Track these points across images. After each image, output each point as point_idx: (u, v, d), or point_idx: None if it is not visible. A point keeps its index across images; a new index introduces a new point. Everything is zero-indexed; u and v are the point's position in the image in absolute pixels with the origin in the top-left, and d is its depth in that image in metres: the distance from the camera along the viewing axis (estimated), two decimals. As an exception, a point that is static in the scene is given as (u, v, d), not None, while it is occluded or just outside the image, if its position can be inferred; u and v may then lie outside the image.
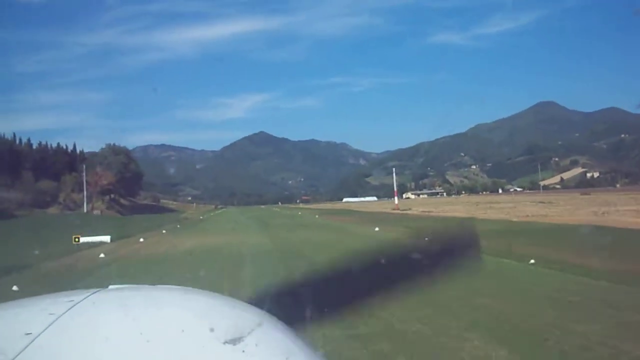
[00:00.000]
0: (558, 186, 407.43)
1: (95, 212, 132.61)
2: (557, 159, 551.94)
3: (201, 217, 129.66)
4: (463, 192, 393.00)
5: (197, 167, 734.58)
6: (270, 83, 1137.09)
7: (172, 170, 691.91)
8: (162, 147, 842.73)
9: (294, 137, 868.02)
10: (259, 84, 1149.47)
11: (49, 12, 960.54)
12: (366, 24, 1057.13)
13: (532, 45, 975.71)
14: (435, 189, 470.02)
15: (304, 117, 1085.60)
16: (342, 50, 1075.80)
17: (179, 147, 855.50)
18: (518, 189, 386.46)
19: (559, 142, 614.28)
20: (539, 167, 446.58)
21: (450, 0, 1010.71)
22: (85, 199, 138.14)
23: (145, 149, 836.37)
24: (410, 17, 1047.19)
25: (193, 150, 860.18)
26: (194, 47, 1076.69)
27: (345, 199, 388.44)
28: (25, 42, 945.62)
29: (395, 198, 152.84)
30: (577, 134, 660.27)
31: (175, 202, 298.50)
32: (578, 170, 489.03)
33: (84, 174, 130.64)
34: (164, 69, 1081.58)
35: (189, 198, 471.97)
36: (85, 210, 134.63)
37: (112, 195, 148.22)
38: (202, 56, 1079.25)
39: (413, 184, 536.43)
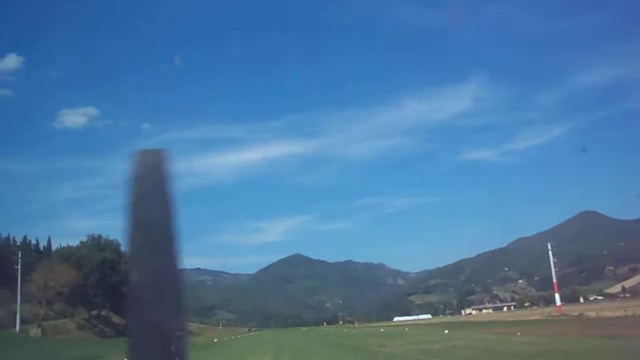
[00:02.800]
0: (624, 295, 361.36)
1: (34, 331, 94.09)
2: (612, 268, 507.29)
3: (215, 340, 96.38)
4: (527, 303, 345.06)
5: (233, 290, 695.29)
6: (305, 206, 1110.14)
7: (206, 294, 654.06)
8: (197, 271, 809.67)
9: (330, 258, 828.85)
10: (293, 208, 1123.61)
11: (89, 139, 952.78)
12: (397, 145, 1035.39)
13: (565, 157, 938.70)
14: (485, 304, 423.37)
15: (339, 239, 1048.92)
16: (374, 172, 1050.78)
17: (214, 270, 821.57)
18: (599, 297, 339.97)
19: (604, 252, 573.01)
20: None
21: (479, 118, 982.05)
22: (18, 309, 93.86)
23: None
24: (442, 136, 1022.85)
25: (228, 274, 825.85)
26: (229, 172, 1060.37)
27: (396, 318, 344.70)
28: (63, 169, 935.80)
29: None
30: (622, 243, 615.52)
31: (201, 325, 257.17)
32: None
33: (19, 266, 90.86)
34: (199, 193, 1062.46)
35: (223, 321, 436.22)
36: (17, 329, 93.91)
37: (100, 312, 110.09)
38: (237, 181, 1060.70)
39: (456, 301, 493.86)
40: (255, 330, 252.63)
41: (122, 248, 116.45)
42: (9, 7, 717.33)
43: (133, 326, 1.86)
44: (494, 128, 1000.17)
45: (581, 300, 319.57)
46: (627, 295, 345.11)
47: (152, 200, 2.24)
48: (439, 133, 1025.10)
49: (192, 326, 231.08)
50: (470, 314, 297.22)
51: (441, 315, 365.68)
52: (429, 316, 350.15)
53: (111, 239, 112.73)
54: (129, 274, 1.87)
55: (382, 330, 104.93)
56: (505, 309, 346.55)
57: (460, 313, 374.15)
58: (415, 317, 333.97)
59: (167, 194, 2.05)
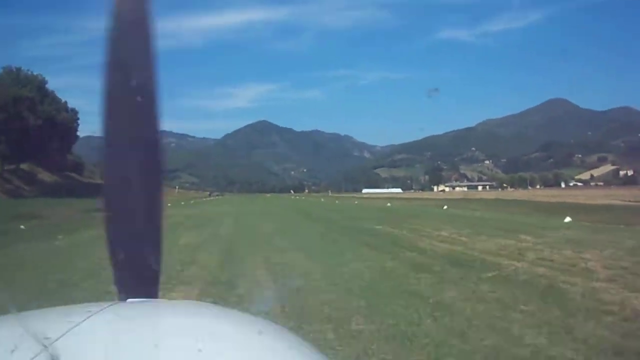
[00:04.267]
0: (592, 183, 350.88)
1: None
2: (580, 156, 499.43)
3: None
4: (505, 185, 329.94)
5: (198, 154, 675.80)
6: (276, 73, 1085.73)
7: (170, 157, 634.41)
8: (162, 133, 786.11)
9: (297, 127, 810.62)
10: (264, 74, 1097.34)
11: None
12: (372, 18, 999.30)
13: (541, 43, 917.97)
14: (453, 182, 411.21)
15: (308, 108, 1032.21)
16: (348, 43, 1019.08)
17: (179, 133, 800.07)
18: (579, 184, 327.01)
19: (572, 140, 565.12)
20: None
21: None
22: None
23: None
24: (417, 12, 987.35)
25: (194, 137, 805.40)
26: (200, 36, 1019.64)
27: (364, 190, 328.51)
28: (31, 25, 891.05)
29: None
30: (589, 132, 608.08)
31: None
32: (608, 168, 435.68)
33: None
34: (168, 56, 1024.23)
35: (186, 185, 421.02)
36: None
37: (18, 165, 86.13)
38: (207, 45, 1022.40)
39: (427, 177, 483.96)
40: (217, 195, 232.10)
41: (49, 86, 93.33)
42: None
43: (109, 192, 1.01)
44: (471, 7, 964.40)
45: (562, 185, 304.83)
46: (600, 183, 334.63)
47: (132, 42, 1.09)
48: (415, 8, 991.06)
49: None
50: (443, 190, 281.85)
51: (412, 190, 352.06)
52: (399, 190, 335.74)
53: (34, 73, 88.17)
54: (104, 126, 0.95)
55: (355, 202, 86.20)
56: (480, 187, 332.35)
57: (430, 189, 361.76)
58: (385, 190, 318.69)
59: (149, 35, 0.98)
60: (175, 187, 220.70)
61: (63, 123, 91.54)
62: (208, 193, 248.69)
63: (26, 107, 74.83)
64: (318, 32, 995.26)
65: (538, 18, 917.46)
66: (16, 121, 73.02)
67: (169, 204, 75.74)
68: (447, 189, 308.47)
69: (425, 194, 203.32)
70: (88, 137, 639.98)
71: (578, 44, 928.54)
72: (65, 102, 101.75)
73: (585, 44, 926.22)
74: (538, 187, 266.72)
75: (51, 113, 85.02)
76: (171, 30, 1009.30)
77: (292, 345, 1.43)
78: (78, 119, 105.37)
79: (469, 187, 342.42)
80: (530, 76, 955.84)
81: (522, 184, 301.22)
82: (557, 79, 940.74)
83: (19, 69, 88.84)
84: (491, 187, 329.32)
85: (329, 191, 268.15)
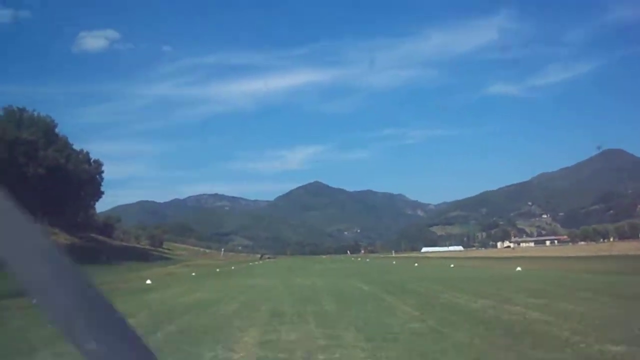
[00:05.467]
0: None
1: None
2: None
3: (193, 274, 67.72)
4: (566, 238, 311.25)
5: (250, 216, 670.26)
6: (325, 135, 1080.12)
7: (224, 220, 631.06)
8: (215, 196, 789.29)
9: (349, 187, 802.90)
10: (313, 136, 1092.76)
11: (111, 64, 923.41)
12: (419, 77, 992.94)
13: (591, 94, 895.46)
14: (517, 238, 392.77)
15: (359, 168, 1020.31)
16: (396, 103, 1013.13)
17: (232, 197, 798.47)
18: None
19: (630, 191, 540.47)
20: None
21: (504, 52, 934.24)
22: None
23: (198, 198, 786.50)
24: (464, 69, 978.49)
25: (247, 200, 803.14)
26: (249, 100, 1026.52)
27: (424, 249, 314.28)
28: (86, 93, 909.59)
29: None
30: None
31: (207, 250, 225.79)
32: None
33: None
34: (219, 121, 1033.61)
35: (239, 247, 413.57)
36: None
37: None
38: (257, 108, 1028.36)
39: (484, 234, 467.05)
40: (268, 258, 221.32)
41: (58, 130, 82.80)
42: None
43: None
44: (518, 62, 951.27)
45: None
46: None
47: None
48: (463, 65, 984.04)
49: (193, 250, 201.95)
50: (509, 247, 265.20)
51: (474, 247, 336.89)
52: (460, 248, 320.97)
53: (42, 114, 76.50)
54: None
55: (415, 264, 75.89)
56: (547, 242, 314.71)
57: (489, 246, 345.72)
58: (445, 249, 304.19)
59: None
60: (221, 250, 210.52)
61: (77, 174, 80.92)
62: (259, 256, 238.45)
63: (23, 151, 64.13)
64: (365, 93, 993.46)
65: (587, 68, 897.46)
66: (13, 168, 62.39)
67: (193, 273, 66.26)
68: (512, 245, 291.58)
69: (491, 252, 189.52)
70: (143, 202, 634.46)
71: (629, 92, 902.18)
72: (87, 153, 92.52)
73: (636, 91, 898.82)
74: (612, 239, 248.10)
75: (58, 161, 74.08)
76: (221, 95, 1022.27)
77: None
78: (102, 171, 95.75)
79: (535, 242, 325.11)
80: (584, 127, 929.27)
81: (592, 237, 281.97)
82: (612, 129, 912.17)
83: (22, 110, 77.48)
84: (559, 241, 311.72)
85: (393, 251, 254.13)
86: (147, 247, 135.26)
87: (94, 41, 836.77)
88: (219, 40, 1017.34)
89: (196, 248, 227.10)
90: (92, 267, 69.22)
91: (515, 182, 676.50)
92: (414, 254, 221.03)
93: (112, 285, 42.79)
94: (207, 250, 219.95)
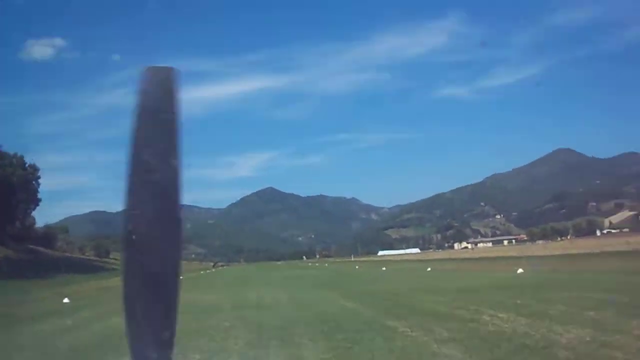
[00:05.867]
0: (613, 230, 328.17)
1: None
2: (594, 204, 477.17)
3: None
4: (525, 238, 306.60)
5: (203, 224, 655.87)
6: (278, 141, 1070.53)
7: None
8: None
9: (302, 193, 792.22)
10: (266, 142, 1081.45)
11: (58, 73, 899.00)
12: (372, 81, 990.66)
13: (540, 95, 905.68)
14: (470, 240, 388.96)
15: (311, 173, 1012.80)
16: (349, 107, 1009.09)
17: (184, 204, 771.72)
18: (612, 230, 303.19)
19: (581, 189, 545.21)
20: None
21: (453, 55, 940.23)
22: None
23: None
24: (415, 72, 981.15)
25: (199, 208, 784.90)
26: (201, 107, 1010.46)
27: (381, 252, 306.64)
28: (36, 103, 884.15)
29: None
30: (598, 181, 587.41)
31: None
32: (627, 214, 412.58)
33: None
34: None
35: (192, 256, 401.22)
36: None
37: None
38: (209, 115, 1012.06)
39: (439, 235, 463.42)
40: (221, 266, 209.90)
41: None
42: None
43: (129, 281, 1.67)
44: (468, 65, 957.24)
45: (598, 232, 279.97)
46: (626, 229, 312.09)
47: (158, 120, 1.20)
48: (414, 69, 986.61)
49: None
50: (466, 248, 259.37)
51: (431, 250, 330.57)
52: (417, 250, 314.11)
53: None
54: (126, 207, 1.69)
55: (383, 268, 67.83)
56: (505, 242, 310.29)
57: (445, 247, 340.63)
58: (402, 252, 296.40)
59: (174, 114, 1.89)
60: None
61: (5, 178, 69.91)
62: (212, 264, 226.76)
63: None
64: (318, 98, 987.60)
65: (535, 70, 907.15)
66: None
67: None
68: (469, 246, 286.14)
69: (450, 253, 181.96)
70: (95, 212, 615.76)
71: (578, 93, 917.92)
72: (22, 157, 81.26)
73: (586, 92, 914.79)
74: (568, 237, 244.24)
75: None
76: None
77: None
78: (39, 177, 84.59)
79: (493, 242, 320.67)
80: (533, 128, 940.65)
81: (550, 235, 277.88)
82: (561, 129, 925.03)
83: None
84: (517, 240, 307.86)
85: (352, 256, 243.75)
86: (92, 257, 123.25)
87: (41, 49, 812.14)
88: (169, 48, 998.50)
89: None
90: (20, 281, 59.07)
91: (468, 183, 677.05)
92: (371, 258, 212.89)
93: (13, 308, 32.55)
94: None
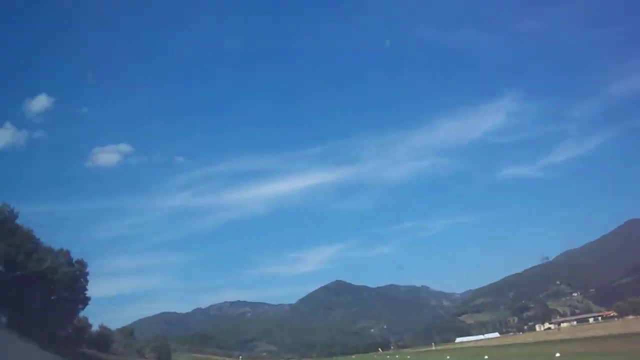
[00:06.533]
0: None
1: None
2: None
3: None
4: (613, 314, 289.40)
5: (273, 321, 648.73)
6: (343, 233, 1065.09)
7: (247, 327, 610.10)
8: (238, 303, 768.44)
9: (371, 283, 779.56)
10: (331, 235, 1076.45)
11: (126, 178, 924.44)
12: (433, 167, 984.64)
13: (604, 167, 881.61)
14: (549, 320, 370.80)
15: (380, 264, 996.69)
16: (412, 195, 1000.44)
17: (254, 302, 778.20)
18: None
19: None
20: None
21: (514, 134, 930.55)
22: None
23: (220, 306, 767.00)
24: (476, 154, 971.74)
25: (269, 304, 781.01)
26: (264, 204, 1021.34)
27: (458, 339, 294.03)
28: (104, 209, 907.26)
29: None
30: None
31: (227, 359, 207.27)
32: None
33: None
34: (236, 227, 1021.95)
35: (264, 354, 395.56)
36: None
37: None
38: (272, 212, 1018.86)
39: (515, 318, 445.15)
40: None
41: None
42: (36, 46, 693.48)
43: None
44: (529, 143, 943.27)
45: None
46: None
47: None
48: (474, 151, 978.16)
49: (213, 359, 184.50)
50: (549, 329, 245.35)
51: (511, 334, 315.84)
52: (496, 334, 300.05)
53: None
54: None
55: (486, 357, 58.68)
56: (591, 320, 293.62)
57: (525, 330, 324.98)
58: (481, 337, 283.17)
59: None
60: (239, 357, 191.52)
61: (50, 275, 66.27)
62: None
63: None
64: (381, 188, 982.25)
65: (597, 142, 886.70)
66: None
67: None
68: (552, 327, 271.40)
69: (535, 335, 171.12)
70: (165, 313, 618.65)
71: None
72: (68, 252, 78.09)
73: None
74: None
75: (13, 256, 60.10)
76: (236, 201, 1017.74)
77: None
78: (87, 273, 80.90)
79: (578, 321, 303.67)
80: (603, 201, 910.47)
81: (638, 310, 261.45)
82: (631, 199, 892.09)
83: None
84: (603, 317, 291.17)
85: (433, 344, 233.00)
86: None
87: (107, 156, 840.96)
88: (230, 148, 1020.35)
89: (215, 357, 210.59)
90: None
91: (539, 262, 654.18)
92: (450, 346, 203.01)
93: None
94: (227, 359, 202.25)
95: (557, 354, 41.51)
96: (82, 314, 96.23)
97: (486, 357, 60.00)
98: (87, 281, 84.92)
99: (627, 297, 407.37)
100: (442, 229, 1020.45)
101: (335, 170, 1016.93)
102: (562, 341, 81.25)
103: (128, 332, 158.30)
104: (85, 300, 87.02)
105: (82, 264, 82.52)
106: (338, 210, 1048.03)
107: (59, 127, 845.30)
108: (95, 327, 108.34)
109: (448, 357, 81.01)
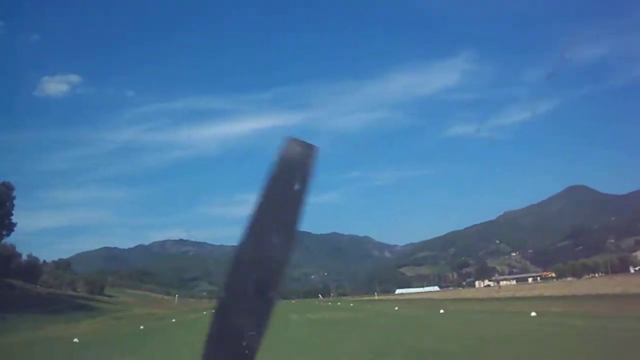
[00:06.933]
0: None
1: None
2: (612, 241, 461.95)
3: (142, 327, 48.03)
4: (553, 275, 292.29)
5: (215, 262, 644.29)
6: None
7: (189, 266, 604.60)
8: (180, 242, 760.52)
9: (315, 230, 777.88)
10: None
11: (75, 109, 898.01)
12: (384, 119, 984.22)
13: (552, 132, 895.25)
14: (494, 277, 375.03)
15: (324, 211, 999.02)
16: (361, 145, 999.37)
17: (197, 242, 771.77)
18: None
19: (596, 226, 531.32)
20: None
21: (466, 93, 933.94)
22: None
23: (163, 244, 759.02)
24: (428, 111, 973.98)
25: (212, 245, 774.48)
26: (214, 144, 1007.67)
27: (398, 290, 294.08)
28: (51, 139, 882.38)
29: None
30: (613, 217, 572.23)
31: (165, 296, 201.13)
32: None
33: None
34: (185, 166, 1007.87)
35: (204, 293, 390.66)
36: None
37: None
38: (222, 153, 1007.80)
39: (455, 274, 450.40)
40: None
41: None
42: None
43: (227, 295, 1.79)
44: (480, 103, 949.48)
45: (631, 269, 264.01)
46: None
47: (287, 190, 1.23)
48: (426, 107, 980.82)
49: (145, 296, 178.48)
50: (488, 286, 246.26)
51: (450, 288, 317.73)
52: (436, 288, 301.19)
53: None
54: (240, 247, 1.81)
55: (441, 311, 53.54)
56: (530, 280, 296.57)
57: (464, 285, 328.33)
58: (420, 290, 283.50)
59: (304, 190, 1.38)
60: (175, 296, 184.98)
61: None
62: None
63: None
64: (331, 136, 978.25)
65: (548, 107, 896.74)
66: None
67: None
68: (491, 284, 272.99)
69: (481, 292, 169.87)
70: (106, 248, 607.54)
71: (588, 129, 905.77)
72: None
73: (598, 129, 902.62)
74: (597, 275, 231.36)
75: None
76: (187, 140, 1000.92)
77: None
78: (14, 197, 73.66)
79: (517, 280, 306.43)
80: (546, 165, 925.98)
81: (579, 272, 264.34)
82: (574, 167, 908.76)
83: None
84: (542, 278, 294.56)
85: (375, 294, 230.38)
86: (84, 294, 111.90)
87: (56, 86, 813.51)
88: (183, 85, 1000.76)
89: (153, 294, 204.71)
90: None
91: (481, 221, 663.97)
92: (390, 296, 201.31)
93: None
94: (166, 297, 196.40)
95: (533, 313, 36.64)
96: (9, 242, 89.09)
97: (442, 311, 55.28)
98: (12, 206, 77.45)
99: (564, 260, 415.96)
100: (388, 181, 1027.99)
101: (286, 116, 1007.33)
102: (512, 299, 77.90)
103: (64, 264, 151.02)
104: (10, 226, 79.47)
105: (7, 187, 75.00)
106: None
107: (7, 54, 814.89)
108: (24, 258, 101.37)
109: (396, 308, 76.28)
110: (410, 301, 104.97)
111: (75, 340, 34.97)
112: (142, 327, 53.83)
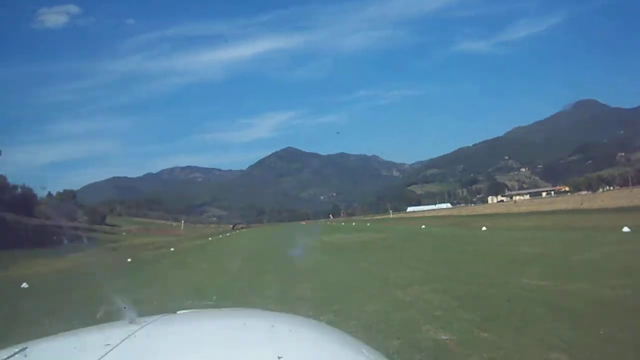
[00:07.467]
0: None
1: None
2: (623, 154, 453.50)
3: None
4: (566, 190, 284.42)
5: (224, 187, 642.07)
6: (296, 101, 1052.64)
7: (197, 191, 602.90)
8: (188, 168, 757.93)
9: (322, 151, 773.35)
10: (284, 103, 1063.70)
11: (73, 41, 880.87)
12: (388, 37, 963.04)
13: (561, 46, 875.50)
14: (507, 192, 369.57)
15: (331, 131, 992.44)
16: (366, 64, 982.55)
17: (205, 167, 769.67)
18: None
19: (605, 140, 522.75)
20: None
21: (472, 9, 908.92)
22: None
23: (171, 171, 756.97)
24: (433, 27, 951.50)
25: (220, 170, 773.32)
26: (216, 70, 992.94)
27: (410, 209, 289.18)
28: (51, 72, 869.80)
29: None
30: (622, 131, 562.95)
31: (174, 223, 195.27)
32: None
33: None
34: (188, 92, 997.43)
35: (214, 218, 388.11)
36: None
37: None
38: (225, 78, 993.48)
39: (464, 190, 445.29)
40: (242, 228, 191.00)
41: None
42: None
43: None
44: (486, 18, 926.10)
45: None
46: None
47: None
48: (431, 24, 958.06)
49: (151, 223, 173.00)
50: (502, 201, 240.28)
51: (462, 205, 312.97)
52: (448, 205, 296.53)
53: None
54: None
55: (483, 228, 46.17)
56: (544, 194, 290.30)
57: (476, 202, 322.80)
58: (432, 207, 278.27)
59: None
60: (181, 221, 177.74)
61: None
62: (231, 226, 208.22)
63: None
64: (334, 57, 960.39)
65: (554, 21, 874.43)
66: None
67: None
68: (505, 199, 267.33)
69: (488, 207, 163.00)
70: (115, 178, 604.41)
71: (598, 43, 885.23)
72: None
73: (606, 43, 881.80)
74: (609, 188, 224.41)
75: None
76: (188, 66, 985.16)
77: (355, 349, 1.51)
78: None
79: (530, 194, 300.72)
80: (555, 80, 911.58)
81: (595, 186, 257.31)
82: (583, 80, 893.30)
83: None
84: (556, 192, 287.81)
85: (391, 212, 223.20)
86: (84, 225, 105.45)
87: (54, 17, 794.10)
88: (183, 11, 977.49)
89: (160, 221, 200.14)
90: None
91: (490, 137, 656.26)
92: (403, 215, 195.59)
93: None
94: (175, 224, 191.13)
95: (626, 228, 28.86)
96: (3, 173, 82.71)
97: (484, 228, 47.84)
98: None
99: (574, 174, 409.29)
100: (395, 99, 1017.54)
101: (288, 38, 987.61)
102: (547, 213, 70.93)
103: (69, 195, 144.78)
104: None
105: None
106: (290, 78, 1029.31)
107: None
108: (18, 190, 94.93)
109: (423, 226, 68.95)
110: (431, 219, 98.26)
111: (24, 285, 27.05)
112: (129, 259, 46.65)
